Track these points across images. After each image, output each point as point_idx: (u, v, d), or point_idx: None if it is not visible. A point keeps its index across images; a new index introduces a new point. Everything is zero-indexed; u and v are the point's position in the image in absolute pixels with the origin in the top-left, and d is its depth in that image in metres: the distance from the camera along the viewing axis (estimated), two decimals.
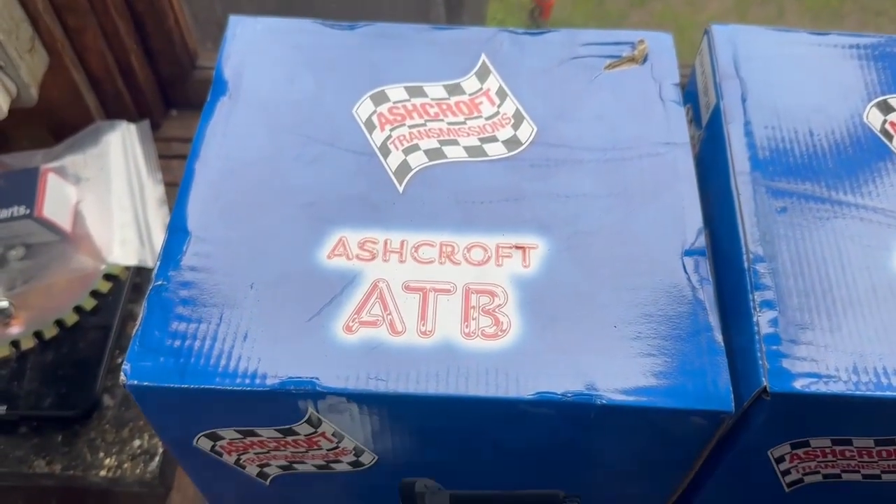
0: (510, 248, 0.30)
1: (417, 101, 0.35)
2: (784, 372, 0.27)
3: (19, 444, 0.47)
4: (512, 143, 0.34)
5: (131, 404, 0.48)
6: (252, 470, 0.32)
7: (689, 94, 0.39)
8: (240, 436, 0.30)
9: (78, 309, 0.50)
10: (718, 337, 0.28)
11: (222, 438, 0.30)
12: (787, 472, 0.32)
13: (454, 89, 0.35)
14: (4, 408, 0.46)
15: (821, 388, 0.27)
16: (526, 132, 0.34)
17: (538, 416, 0.28)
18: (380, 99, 0.35)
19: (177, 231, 0.31)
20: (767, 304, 0.29)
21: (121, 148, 0.56)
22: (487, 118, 0.35)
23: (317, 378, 0.27)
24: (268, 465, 0.32)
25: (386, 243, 0.30)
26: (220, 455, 0.31)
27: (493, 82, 0.36)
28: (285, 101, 0.35)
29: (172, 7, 0.59)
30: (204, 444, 0.30)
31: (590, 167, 0.33)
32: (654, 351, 0.28)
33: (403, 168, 0.33)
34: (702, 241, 0.31)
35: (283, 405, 0.28)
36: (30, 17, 0.50)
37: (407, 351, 0.28)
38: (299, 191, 0.32)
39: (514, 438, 0.29)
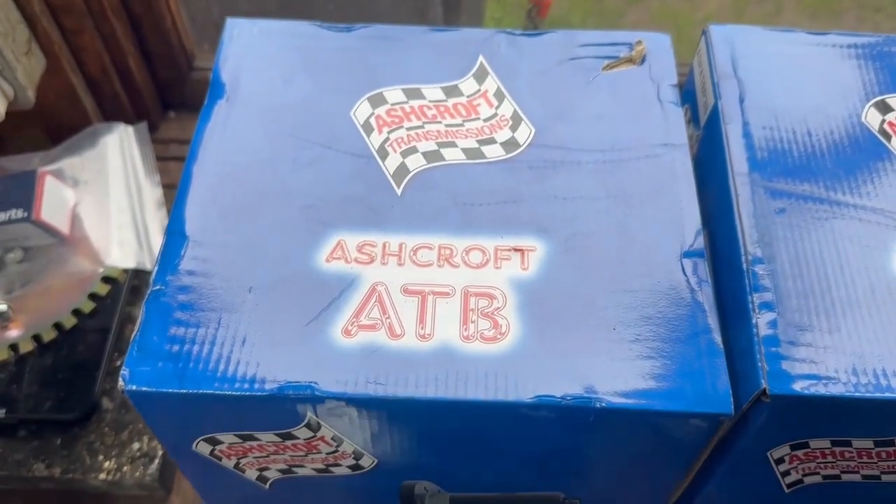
0: (509, 250, 0.30)
1: (415, 103, 0.35)
2: (783, 374, 0.27)
3: (18, 447, 0.46)
4: (510, 144, 0.34)
5: (130, 407, 0.48)
6: (251, 474, 0.32)
7: (687, 94, 0.39)
8: (239, 440, 0.30)
9: (76, 312, 0.49)
10: (717, 339, 0.28)
11: (221, 443, 0.30)
12: (786, 473, 0.32)
13: (452, 91, 0.35)
14: (3, 411, 0.46)
15: (820, 389, 0.27)
16: (524, 134, 0.34)
17: (537, 420, 0.28)
18: (377, 101, 0.35)
19: (174, 235, 0.31)
20: (766, 306, 0.29)
21: (118, 150, 0.56)
22: (485, 120, 0.34)
23: (316, 382, 0.27)
24: (267, 468, 0.32)
25: (384, 246, 0.30)
26: (220, 459, 0.31)
27: (491, 84, 0.36)
28: (282, 104, 0.35)
29: (170, 9, 0.59)
30: (203, 448, 0.30)
31: (588, 169, 0.33)
32: (652, 353, 0.28)
33: (401, 170, 0.33)
34: (700, 243, 0.31)
35: (282, 410, 0.28)
36: (26, 19, 0.50)
37: (406, 354, 0.28)
38: (297, 194, 0.32)
39: (514, 441, 0.29)
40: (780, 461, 0.31)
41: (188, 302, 0.29)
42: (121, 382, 0.27)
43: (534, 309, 0.29)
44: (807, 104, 0.35)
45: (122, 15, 0.56)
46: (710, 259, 0.33)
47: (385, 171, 0.33)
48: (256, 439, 0.30)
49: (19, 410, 0.46)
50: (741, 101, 0.35)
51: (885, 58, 0.37)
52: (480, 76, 0.36)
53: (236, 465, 0.32)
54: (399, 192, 0.32)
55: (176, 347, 0.28)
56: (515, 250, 0.30)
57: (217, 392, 0.27)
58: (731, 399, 0.27)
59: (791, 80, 0.36)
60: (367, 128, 0.34)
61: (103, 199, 0.54)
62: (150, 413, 0.29)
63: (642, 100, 0.35)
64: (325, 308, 0.29)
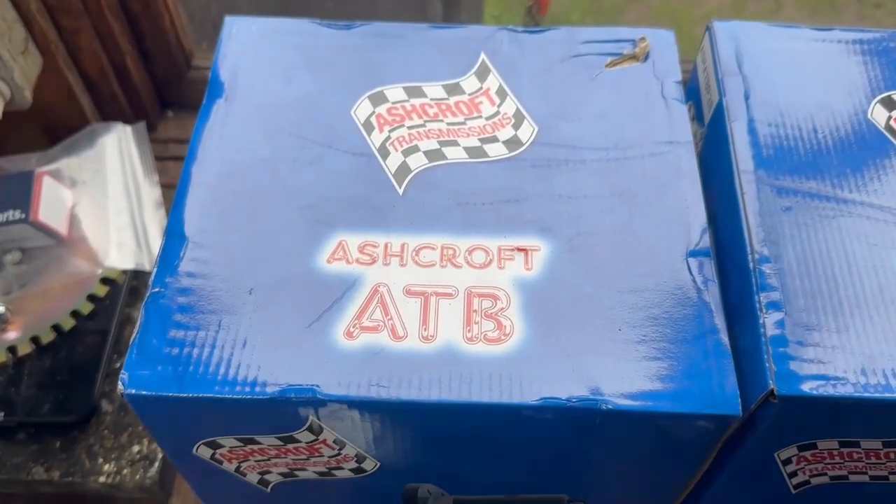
0: (512, 250, 0.30)
1: (416, 101, 0.34)
2: (791, 374, 0.27)
3: (17, 450, 0.46)
4: (513, 143, 0.33)
5: (130, 410, 0.47)
6: (253, 478, 0.32)
7: (691, 91, 0.39)
8: (240, 444, 0.29)
9: (75, 313, 0.49)
10: (725, 339, 0.28)
11: (222, 446, 0.30)
12: (793, 474, 0.31)
13: (453, 89, 0.35)
14: (2, 414, 0.46)
15: (829, 390, 0.27)
16: (527, 132, 0.34)
17: (542, 422, 0.27)
18: (378, 100, 0.34)
19: (174, 236, 0.30)
20: (773, 306, 0.29)
21: (116, 150, 0.56)
22: (487, 118, 0.34)
23: (317, 385, 0.27)
24: (268, 472, 0.31)
25: (386, 247, 0.30)
26: (221, 463, 0.31)
27: (493, 81, 0.35)
28: (282, 103, 0.34)
29: (168, 7, 0.58)
30: (204, 452, 0.30)
31: (592, 167, 0.32)
32: (659, 354, 0.28)
33: (403, 170, 0.32)
34: (706, 242, 0.30)
35: (284, 413, 0.27)
36: (23, 19, 0.49)
37: (408, 356, 0.27)
38: (298, 194, 0.31)
39: (518, 443, 0.29)
40: (787, 462, 0.30)
41: (188, 304, 0.28)
42: (120, 386, 0.27)
43: (538, 309, 0.28)
44: (812, 101, 0.34)
45: (119, 14, 0.56)
46: (715, 257, 0.32)
47: (386, 171, 0.32)
48: (258, 443, 0.29)
49: (18, 413, 0.46)
50: (746, 97, 0.34)
51: (890, 54, 0.36)
52: (482, 74, 0.36)
53: (237, 469, 0.31)
54: (401, 191, 0.32)
55: (175, 350, 0.27)
56: (519, 250, 0.30)
57: (217, 396, 0.27)
58: (739, 400, 0.27)
59: (796, 77, 0.35)
60: (368, 126, 0.34)
61: (101, 200, 0.53)
62: (149, 417, 0.28)
63: (646, 97, 0.35)
64: (327, 310, 0.28)
